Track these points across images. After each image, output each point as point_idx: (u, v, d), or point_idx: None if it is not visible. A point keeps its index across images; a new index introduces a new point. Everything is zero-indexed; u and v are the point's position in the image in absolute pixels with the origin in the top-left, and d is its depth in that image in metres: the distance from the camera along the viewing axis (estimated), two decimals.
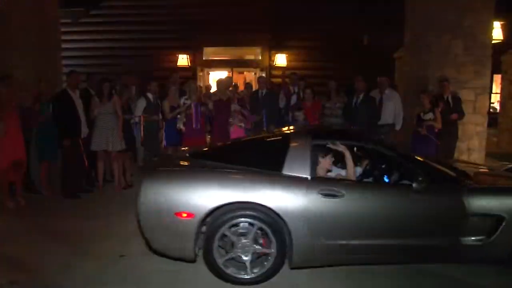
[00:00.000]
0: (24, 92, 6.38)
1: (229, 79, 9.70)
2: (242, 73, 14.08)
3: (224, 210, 3.51)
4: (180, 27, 12.75)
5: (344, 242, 3.58)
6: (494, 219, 3.65)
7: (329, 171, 4.28)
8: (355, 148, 4.49)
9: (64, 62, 9.16)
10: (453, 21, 7.61)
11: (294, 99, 8.18)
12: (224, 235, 3.56)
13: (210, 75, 13.82)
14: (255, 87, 9.09)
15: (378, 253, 3.70)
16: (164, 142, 7.46)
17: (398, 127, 7.48)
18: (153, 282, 3.73)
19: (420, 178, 3.59)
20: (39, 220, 5.36)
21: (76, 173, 6.53)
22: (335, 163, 4.36)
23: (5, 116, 5.62)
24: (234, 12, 12.52)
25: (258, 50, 13.43)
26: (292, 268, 3.73)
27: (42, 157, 6.40)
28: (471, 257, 3.79)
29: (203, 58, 13.39)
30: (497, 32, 8.69)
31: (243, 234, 3.58)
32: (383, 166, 4.22)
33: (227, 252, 3.63)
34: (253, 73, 13.60)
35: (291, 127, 5.32)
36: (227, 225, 3.52)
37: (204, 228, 3.62)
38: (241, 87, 9.28)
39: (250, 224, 3.54)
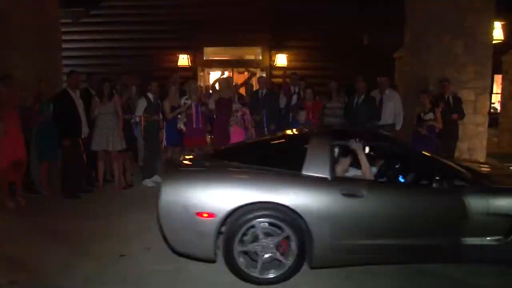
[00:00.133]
0: (24, 92, 6.38)
1: (229, 78, 9.68)
2: (243, 73, 14.06)
3: (245, 210, 3.52)
4: (180, 27, 12.74)
5: (364, 242, 3.61)
6: (511, 220, 3.67)
7: (347, 171, 4.30)
8: (367, 148, 4.51)
9: (64, 62, 9.16)
10: (453, 21, 7.61)
11: (294, 99, 8.18)
12: (244, 235, 3.57)
13: (210, 75, 13.82)
14: (255, 87, 9.08)
15: (398, 253, 3.73)
16: (164, 142, 7.47)
17: (398, 127, 7.48)
18: (153, 282, 3.73)
19: (441, 178, 3.63)
20: (39, 220, 5.36)
21: (76, 173, 6.53)
22: (351, 163, 4.40)
23: (5, 116, 5.62)
24: (234, 12, 12.52)
25: (258, 50, 13.43)
26: (312, 268, 3.75)
27: (42, 157, 6.40)
28: (488, 257, 3.80)
29: (204, 58, 13.39)
30: (497, 32, 8.68)
31: (264, 235, 3.57)
32: (397, 166, 4.27)
33: (244, 252, 3.64)
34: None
35: (309, 127, 5.33)
36: (247, 225, 3.53)
37: (223, 228, 3.63)
38: (242, 89, 9.26)
39: (271, 224, 3.55)
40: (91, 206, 5.99)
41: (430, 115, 6.78)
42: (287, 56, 13.11)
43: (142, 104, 7.03)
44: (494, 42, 8.10)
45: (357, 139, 4.02)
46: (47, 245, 4.53)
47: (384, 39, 11.24)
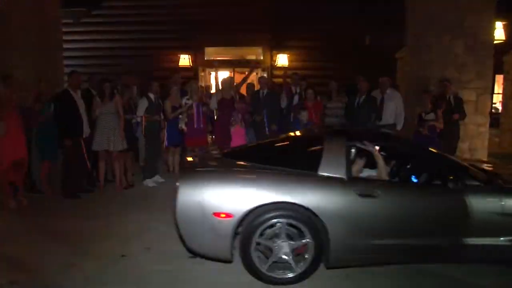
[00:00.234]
0: (24, 92, 6.38)
1: (230, 78, 9.69)
2: (244, 73, 14.05)
3: (263, 210, 3.53)
4: (180, 27, 12.74)
5: (380, 242, 3.63)
6: None
7: (361, 172, 4.35)
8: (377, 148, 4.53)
9: (64, 62, 9.16)
10: (454, 21, 7.60)
11: (296, 99, 8.18)
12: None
13: (211, 75, 13.83)
14: (256, 87, 9.09)
15: (415, 252, 3.75)
16: (166, 142, 7.47)
17: (399, 127, 7.47)
18: (153, 282, 3.73)
19: (456, 178, 3.65)
20: (39, 220, 5.36)
21: (77, 173, 6.54)
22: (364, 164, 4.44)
23: (5, 116, 5.63)
24: (234, 12, 12.51)
25: (259, 50, 13.43)
26: (328, 268, 3.77)
27: (42, 157, 6.41)
28: (503, 257, 3.80)
29: (205, 59, 13.39)
30: (499, 33, 8.68)
31: (281, 234, 3.58)
32: (409, 165, 4.32)
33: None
34: (254, 73, 13.58)
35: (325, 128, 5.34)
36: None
37: (240, 229, 3.64)
38: (243, 89, 9.26)
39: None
40: (91, 206, 5.99)
41: (431, 115, 6.78)
42: (288, 56, 13.10)
43: (143, 104, 7.03)
44: (495, 42, 8.09)
45: (368, 142, 4.08)
46: (47, 245, 4.53)
47: (384, 39, 11.24)
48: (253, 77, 13.20)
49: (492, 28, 7.89)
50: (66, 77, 7.52)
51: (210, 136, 8.75)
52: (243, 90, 9.03)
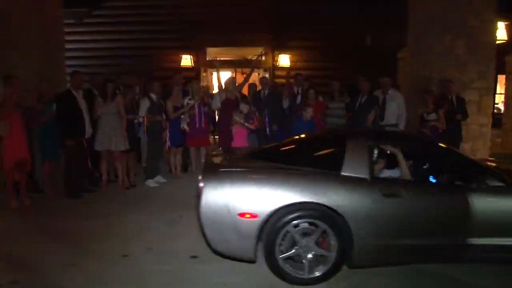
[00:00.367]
0: (24, 92, 6.38)
1: (233, 79, 9.68)
2: (246, 73, 14.02)
3: (287, 210, 3.53)
4: (180, 27, 12.74)
5: (404, 242, 3.64)
6: None
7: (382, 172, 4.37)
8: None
9: (65, 62, 9.17)
10: (454, 21, 7.59)
11: (299, 99, 8.17)
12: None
13: (213, 75, 13.80)
14: (258, 87, 9.09)
15: (437, 253, 3.76)
16: (168, 143, 7.48)
17: (401, 127, 7.45)
18: (153, 282, 3.73)
19: (479, 178, 3.69)
20: (40, 220, 5.37)
21: (79, 173, 6.55)
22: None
23: (6, 116, 5.64)
24: (234, 12, 12.49)
25: (261, 51, 13.40)
26: (351, 268, 3.78)
27: (44, 157, 6.42)
28: None
29: (207, 59, 13.38)
30: (501, 33, 8.66)
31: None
32: (428, 165, 4.39)
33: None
34: (256, 73, 13.56)
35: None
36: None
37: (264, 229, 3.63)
38: (245, 89, 9.25)
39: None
40: (92, 206, 5.99)
41: (433, 116, 6.76)
42: (290, 57, 13.09)
43: (145, 105, 7.04)
44: (497, 42, 8.06)
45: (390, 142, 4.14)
46: (47, 245, 4.53)
47: (384, 39, 11.22)
48: (255, 78, 13.20)
49: (493, 28, 7.88)
50: (68, 77, 7.53)
51: (216, 137, 8.73)
52: (244, 90, 9.03)
